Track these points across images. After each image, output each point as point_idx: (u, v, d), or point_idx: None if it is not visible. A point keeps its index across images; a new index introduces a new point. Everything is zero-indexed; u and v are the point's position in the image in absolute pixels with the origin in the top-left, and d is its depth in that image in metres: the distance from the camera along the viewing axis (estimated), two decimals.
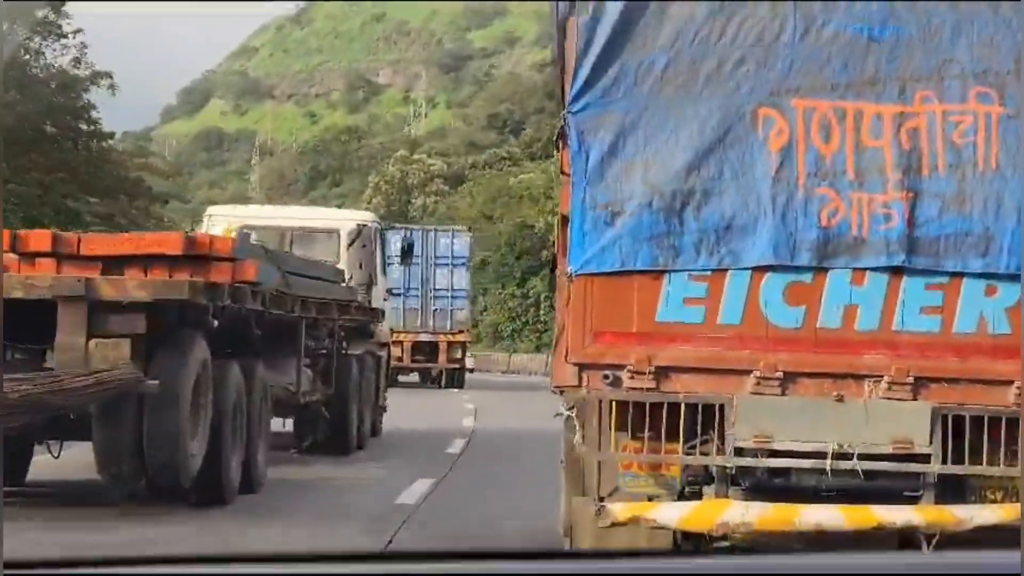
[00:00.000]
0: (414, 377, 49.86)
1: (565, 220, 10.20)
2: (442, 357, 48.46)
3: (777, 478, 10.32)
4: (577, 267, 10.11)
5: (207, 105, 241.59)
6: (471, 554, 2.36)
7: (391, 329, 48.38)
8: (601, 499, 10.52)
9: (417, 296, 48.25)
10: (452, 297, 48.48)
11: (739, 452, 10.11)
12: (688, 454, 10.19)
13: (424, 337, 48.18)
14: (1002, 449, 10.07)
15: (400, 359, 48.21)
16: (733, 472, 10.25)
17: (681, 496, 10.49)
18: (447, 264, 48.61)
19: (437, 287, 48.40)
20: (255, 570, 2.23)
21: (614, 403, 10.19)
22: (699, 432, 10.14)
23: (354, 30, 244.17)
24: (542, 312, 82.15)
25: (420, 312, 48.27)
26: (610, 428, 10.25)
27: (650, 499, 10.48)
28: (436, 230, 51.64)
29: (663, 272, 10.11)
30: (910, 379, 10.05)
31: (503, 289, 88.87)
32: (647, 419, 10.09)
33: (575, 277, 10.12)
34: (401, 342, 47.90)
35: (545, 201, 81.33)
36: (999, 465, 10.13)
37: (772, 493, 10.41)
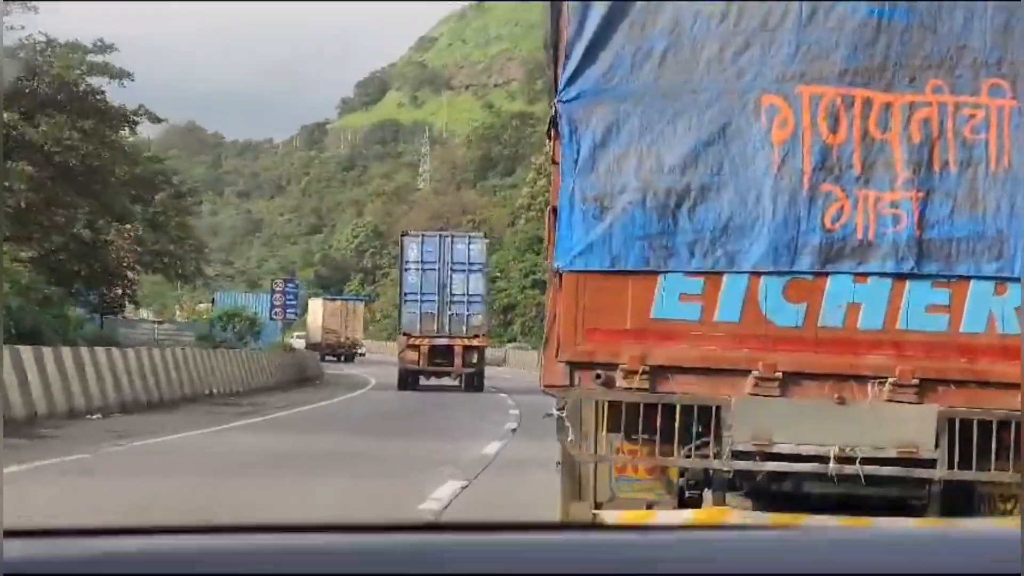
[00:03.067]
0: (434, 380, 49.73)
1: (555, 212, 9.77)
2: (458, 361, 48.27)
3: (777, 483, 9.89)
4: (565, 263, 9.69)
5: (384, 97, 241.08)
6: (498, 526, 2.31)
7: (406, 334, 48.47)
8: (598, 505, 10.11)
9: (433, 301, 48.02)
10: (468, 302, 48.27)
11: (737, 456, 9.68)
12: (684, 457, 9.76)
13: (441, 341, 47.95)
14: (1011, 455, 9.62)
15: (417, 363, 48.16)
16: (731, 476, 9.82)
17: (681, 500, 10.08)
18: (464, 270, 48.41)
19: (454, 292, 48.15)
20: (273, 540, 2.21)
21: (607, 404, 9.78)
22: (695, 435, 9.72)
23: (535, 18, 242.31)
24: None
25: (436, 317, 48.04)
26: (603, 430, 9.84)
27: (649, 506, 10.07)
28: (453, 236, 51.46)
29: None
30: (915, 381, 9.60)
31: None
32: (641, 421, 9.67)
33: (565, 273, 9.70)
34: (418, 346, 47.89)
35: None
36: (1008, 471, 9.68)
37: (772, 499, 9.99)
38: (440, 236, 50.69)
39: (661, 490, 10.07)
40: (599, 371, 9.66)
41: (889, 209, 9.57)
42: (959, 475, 9.67)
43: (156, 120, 48.00)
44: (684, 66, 9.71)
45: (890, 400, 9.63)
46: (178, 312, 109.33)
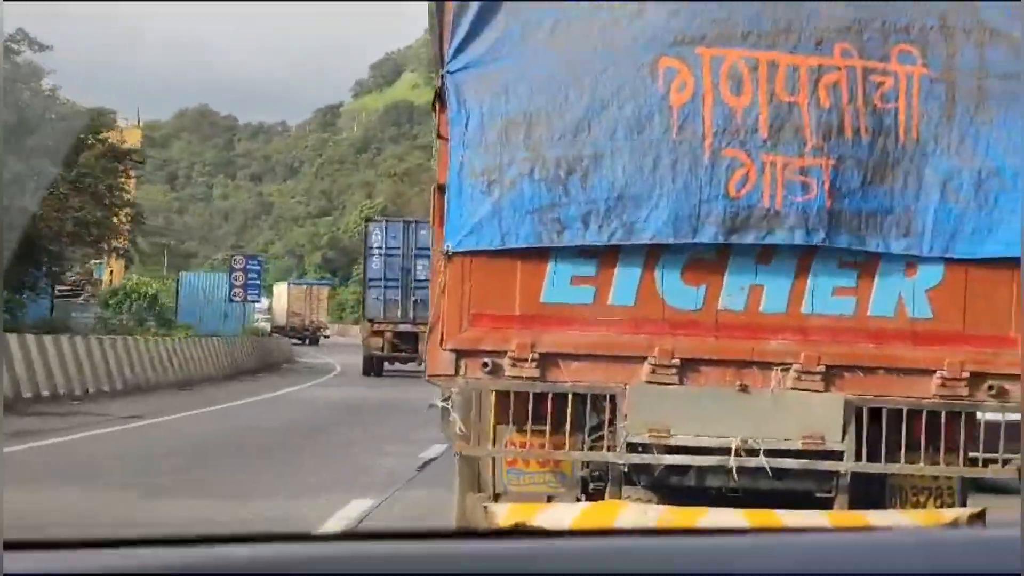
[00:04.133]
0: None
1: (442, 190, 9.21)
2: (422, 347, 47.52)
3: (677, 476, 9.36)
4: (454, 243, 9.14)
5: (399, 79, 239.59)
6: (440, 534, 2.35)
7: (370, 320, 47.85)
8: (496, 498, 9.59)
9: (397, 287, 47.49)
10: None
11: (632, 448, 9.14)
12: (576, 449, 9.23)
13: (404, 328, 47.41)
14: (923, 445, 9.10)
15: (381, 349, 47.65)
16: (627, 470, 9.28)
17: (586, 492, 9.54)
18: (428, 256, 47.65)
19: (418, 279, 47.58)
20: (276, 550, 2.19)
21: (495, 394, 9.24)
22: (588, 426, 9.18)
23: None
24: None
25: (400, 303, 47.51)
26: (491, 421, 9.30)
27: (550, 499, 9.53)
28: (417, 222, 50.85)
29: (549, 248, 9.14)
30: (821, 367, 9.08)
31: None
32: (531, 411, 9.13)
33: (452, 255, 9.15)
34: (382, 332, 47.39)
35: None
36: (919, 463, 9.17)
37: (672, 493, 9.46)
38: (404, 222, 50.09)
39: (555, 483, 9.52)
40: (486, 359, 9.12)
41: (798, 176, 9.02)
42: (867, 467, 9.16)
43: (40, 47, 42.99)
44: (577, 32, 9.16)
45: (795, 388, 9.11)
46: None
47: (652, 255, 9.14)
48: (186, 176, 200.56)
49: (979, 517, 8.76)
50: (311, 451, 20.54)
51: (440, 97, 9.24)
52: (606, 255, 9.14)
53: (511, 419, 9.22)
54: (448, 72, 9.19)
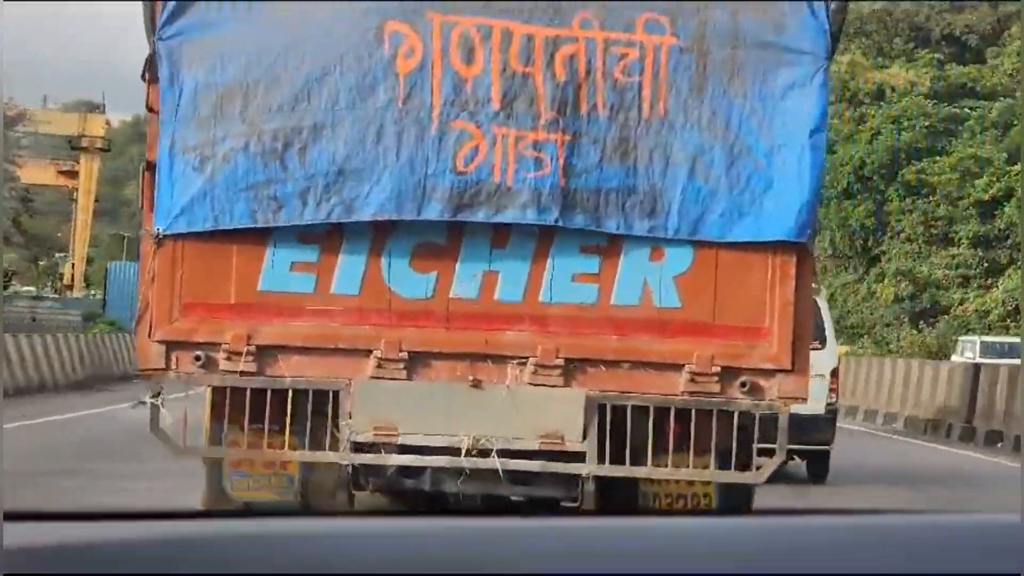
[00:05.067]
0: None
1: (152, 168, 8.48)
2: None
3: (412, 479, 8.65)
4: (164, 225, 8.42)
5: None
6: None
7: None
8: (223, 502, 8.86)
9: None
10: None
11: (358, 447, 8.44)
12: (296, 450, 8.51)
13: None
14: (671, 447, 8.43)
15: None
16: (352, 472, 8.58)
17: (304, 500, 8.82)
18: None
19: None
20: (274, 526, 2.19)
21: (212, 390, 8.53)
22: (310, 424, 8.47)
23: None
24: None
25: None
26: (207, 419, 8.59)
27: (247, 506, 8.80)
28: None
29: (268, 231, 8.43)
30: (560, 361, 8.41)
31: None
32: (248, 408, 8.42)
33: (163, 238, 8.42)
34: None
35: None
36: (667, 466, 8.49)
37: (405, 497, 8.79)
38: None
39: (284, 486, 8.80)
40: (199, 352, 8.40)
41: (531, 151, 8.35)
42: (611, 471, 8.47)
43: None
44: None
45: (532, 383, 8.44)
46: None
47: (378, 239, 8.46)
48: None
49: None
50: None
51: (151, 66, 8.52)
52: (329, 240, 8.45)
53: (227, 417, 8.50)
54: (160, 39, 8.47)
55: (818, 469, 17.08)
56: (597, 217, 8.37)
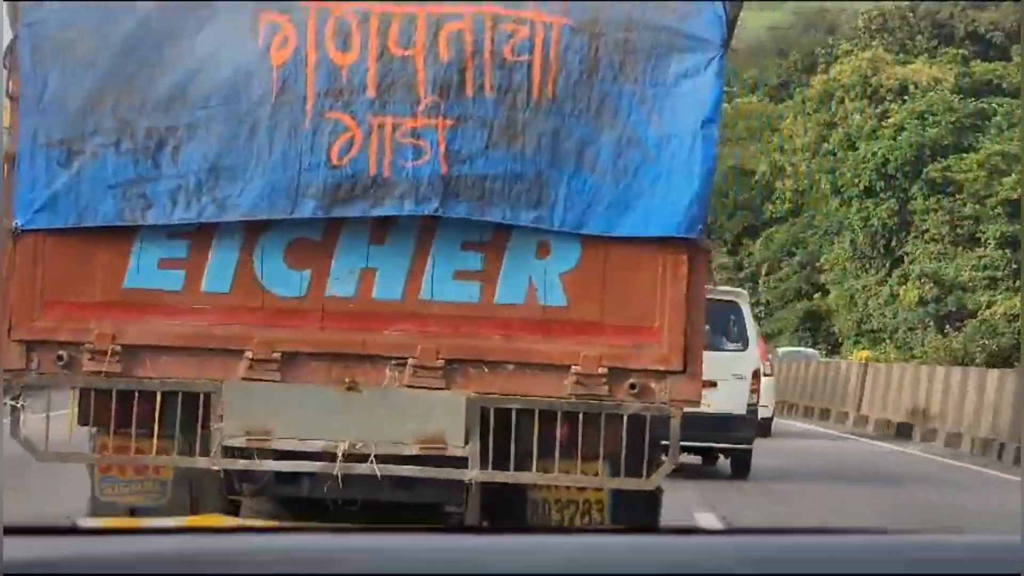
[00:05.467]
0: None
1: (13, 160, 8.11)
2: None
3: (290, 485, 8.28)
4: (25, 219, 8.05)
5: None
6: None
7: None
8: (96, 510, 8.51)
9: None
10: None
11: (230, 452, 8.05)
12: (165, 455, 8.13)
13: None
14: (557, 452, 8.02)
15: None
16: (225, 478, 8.20)
17: (177, 506, 8.45)
18: None
19: None
20: (272, 541, 2.22)
21: (77, 392, 8.16)
22: (179, 428, 8.09)
23: None
24: (763, 289, 62.19)
25: None
26: (71, 422, 8.23)
27: (132, 512, 8.43)
28: None
29: (135, 226, 8.06)
30: (440, 362, 8.01)
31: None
32: (116, 411, 8.04)
33: (21, 232, 8.06)
34: None
35: (772, 136, 62.42)
36: (554, 471, 8.08)
37: (289, 504, 8.41)
38: None
39: (156, 493, 8.43)
40: (61, 351, 8.03)
41: (410, 139, 7.95)
42: (495, 476, 8.07)
43: None
44: None
45: (411, 386, 8.03)
46: None
47: (250, 235, 8.08)
48: None
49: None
50: None
51: (12, 53, 8.15)
52: (199, 236, 8.08)
53: (93, 420, 8.13)
54: (25, 25, 8.10)
55: (740, 466, 17.64)
56: (481, 206, 7.96)
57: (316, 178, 7.94)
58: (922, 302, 52.24)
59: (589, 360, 7.99)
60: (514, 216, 7.98)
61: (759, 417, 25.10)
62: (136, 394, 8.03)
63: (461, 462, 8.04)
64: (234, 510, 8.51)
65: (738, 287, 62.75)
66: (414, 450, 8.02)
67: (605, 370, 7.99)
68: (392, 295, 8.06)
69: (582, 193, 7.96)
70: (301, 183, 7.94)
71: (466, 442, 8.02)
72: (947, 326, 51.26)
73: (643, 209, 7.95)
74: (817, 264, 58.39)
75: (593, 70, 7.98)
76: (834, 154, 55.98)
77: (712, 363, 16.33)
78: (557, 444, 8.02)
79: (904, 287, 53.53)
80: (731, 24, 8.12)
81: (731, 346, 17.56)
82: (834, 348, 55.96)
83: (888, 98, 55.15)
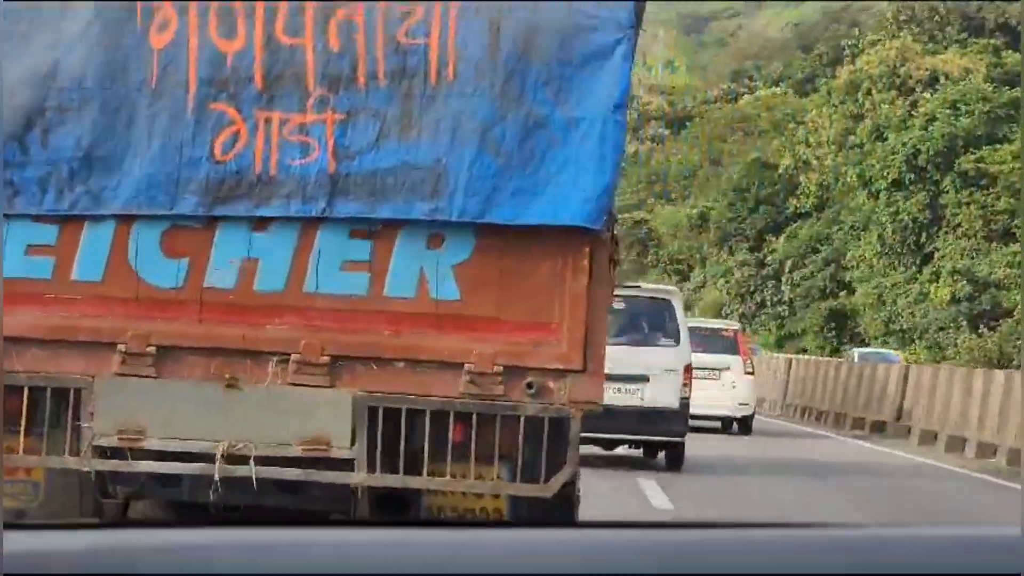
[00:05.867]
0: None
1: None
2: None
3: (168, 488, 7.81)
4: None
5: None
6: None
7: None
8: None
9: None
10: None
11: (102, 452, 7.58)
12: (31, 455, 7.65)
13: None
14: (449, 455, 7.53)
15: None
16: (96, 479, 7.73)
17: (50, 510, 7.98)
18: None
19: None
20: (279, 536, 2.22)
21: None
22: (48, 426, 7.62)
23: None
24: (786, 287, 60.02)
25: None
26: None
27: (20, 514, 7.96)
28: None
29: None
30: (325, 358, 7.55)
31: (729, 255, 64.25)
32: None
33: None
34: None
35: (796, 128, 60.67)
36: (446, 475, 7.59)
37: (174, 508, 7.95)
38: None
39: (27, 494, 7.95)
40: None
41: (297, 136, 7.50)
42: (383, 480, 7.58)
43: None
44: None
45: (294, 383, 7.56)
46: None
47: (125, 220, 7.61)
48: None
49: None
50: None
51: None
52: (70, 220, 7.62)
53: None
54: None
55: (673, 458, 18.23)
56: (372, 203, 7.50)
57: (198, 173, 7.49)
58: (954, 300, 50.46)
59: (483, 358, 7.51)
60: (408, 209, 7.50)
61: (739, 416, 26.29)
62: (2, 389, 7.56)
63: (347, 465, 7.57)
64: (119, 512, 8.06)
65: (760, 285, 62.75)
66: (297, 452, 7.55)
67: (500, 368, 7.52)
68: (275, 287, 7.59)
69: (485, 179, 7.48)
70: (182, 177, 7.49)
71: (352, 443, 7.54)
72: (981, 326, 49.59)
73: (551, 196, 7.46)
74: (843, 261, 56.95)
75: (495, 49, 7.49)
76: (861, 146, 54.84)
77: (645, 358, 17.85)
78: (450, 447, 7.53)
79: (935, 285, 51.92)
80: (639, 6, 7.65)
81: (664, 342, 18.19)
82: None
83: (917, 89, 54.01)
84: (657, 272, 68.57)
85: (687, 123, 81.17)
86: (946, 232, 52.70)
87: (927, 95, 53.21)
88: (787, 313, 58.90)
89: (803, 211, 59.82)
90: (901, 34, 55.72)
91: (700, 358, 23.22)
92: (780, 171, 60.81)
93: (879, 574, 2.16)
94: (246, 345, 7.55)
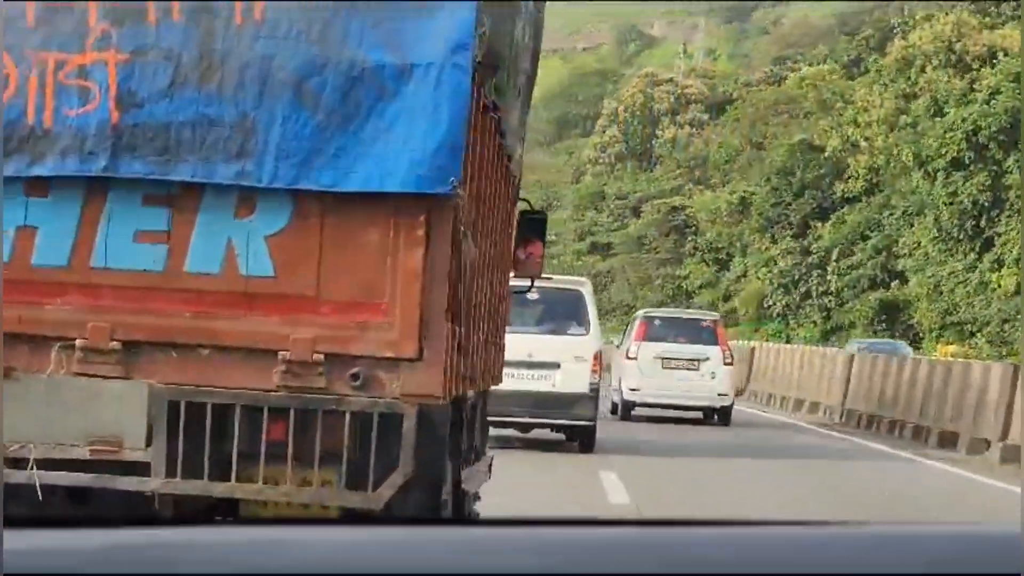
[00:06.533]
0: None
1: None
2: None
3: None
4: None
5: None
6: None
7: None
8: None
9: None
10: None
11: None
12: None
13: None
14: (263, 458, 6.48)
15: None
16: None
17: None
18: None
19: None
20: (275, 533, 2.14)
21: None
22: None
23: None
24: (833, 277, 57.45)
25: None
26: None
27: None
28: None
29: None
30: (116, 344, 6.54)
31: (772, 243, 61.55)
32: None
33: None
34: None
35: (844, 108, 58.34)
36: (258, 482, 6.52)
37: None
38: None
39: None
40: None
41: (76, 80, 6.47)
42: (184, 486, 6.53)
43: None
44: None
45: (81, 373, 6.54)
46: None
47: None
48: None
49: None
50: None
51: None
52: None
53: None
54: None
55: (585, 442, 19.35)
56: (164, 162, 6.47)
57: None
58: (1019, 290, 48.56)
59: (301, 344, 6.45)
60: (209, 172, 6.46)
61: (719, 406, 26.27)
62: None
63: (143, 469, 6.52)
64: None
65: (805, 275, 60.47)
66: (84, 453, 6.51)
67: (321, 357, 6.46)
68: (57, 261, 6.56)
69: (300, 139, 6.42)
70: None
71: (148, 444, 6.52)
72: None
73: (378, 157, 6.42)
74: (895, 248, 55.06)
75: None
76: (915, 125, 52.94)
77: (557, 347, 18.95)
78: (263, 449, 6.48)
79: (997, 273, 49.88)
80: None
81: (574, 331, 19.27)
82: (914, 343, 51.27)
83: (974, 67, 52.07)
84: (694, 261, 67.26)
85: (727, 108, 79.12)
86: (1009, 216, 50.42)
87: (987, 70, 51.13)
88: (833, 304, 57.17)
89: (851, 195, 57.98)
90: (956, 8, 53.91)
91: (680, 348, 25.65)
92: (827, 153, 58.90)
93: (878, 573, 2.11)
94: (22, 329, 6.51)
